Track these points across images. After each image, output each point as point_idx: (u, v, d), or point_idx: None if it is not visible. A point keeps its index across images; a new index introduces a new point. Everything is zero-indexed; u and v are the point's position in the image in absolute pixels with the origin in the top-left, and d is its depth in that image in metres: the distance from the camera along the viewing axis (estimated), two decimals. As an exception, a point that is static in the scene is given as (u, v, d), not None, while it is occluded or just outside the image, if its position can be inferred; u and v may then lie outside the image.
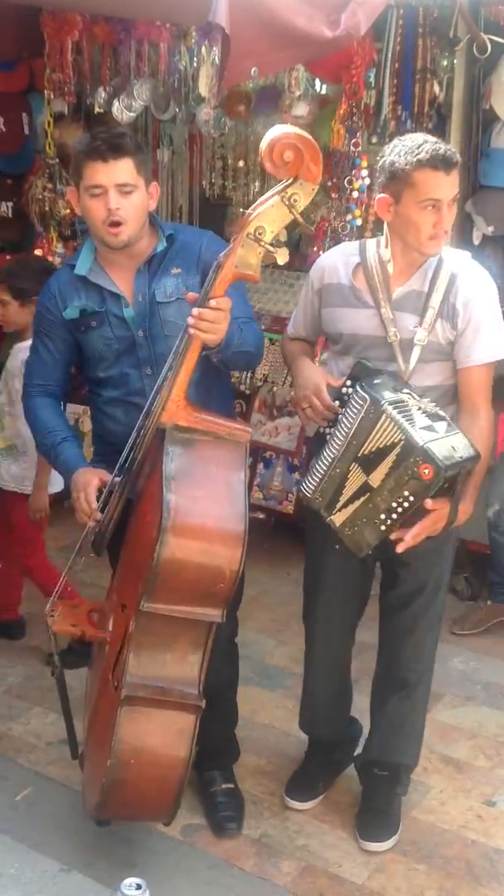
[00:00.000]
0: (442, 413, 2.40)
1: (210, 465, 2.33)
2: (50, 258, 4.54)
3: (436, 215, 2.41)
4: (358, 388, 2.42)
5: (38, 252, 4.60)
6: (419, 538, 2.37)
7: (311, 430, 4.17)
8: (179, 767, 2.45)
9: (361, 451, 2.39)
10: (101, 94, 4.18)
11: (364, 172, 3.81)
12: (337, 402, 2.50)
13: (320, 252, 3.90)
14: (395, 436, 2.32)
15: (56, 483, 3.54)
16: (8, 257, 4.52)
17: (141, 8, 3.13)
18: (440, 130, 3.70)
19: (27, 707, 3.40)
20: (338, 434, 2.45)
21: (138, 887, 2.02)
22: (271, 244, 2.24)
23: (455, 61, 3.69)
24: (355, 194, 3.84)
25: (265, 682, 3.55)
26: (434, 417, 2.36)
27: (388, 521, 2.37)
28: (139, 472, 2.50)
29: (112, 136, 2.46)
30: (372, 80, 3.74)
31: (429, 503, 2.31)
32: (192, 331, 2.29)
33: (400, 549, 2.38)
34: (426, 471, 2.26)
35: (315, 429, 2.68)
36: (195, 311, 2.28)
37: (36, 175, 4.61)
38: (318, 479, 2.50)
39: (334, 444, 2.45)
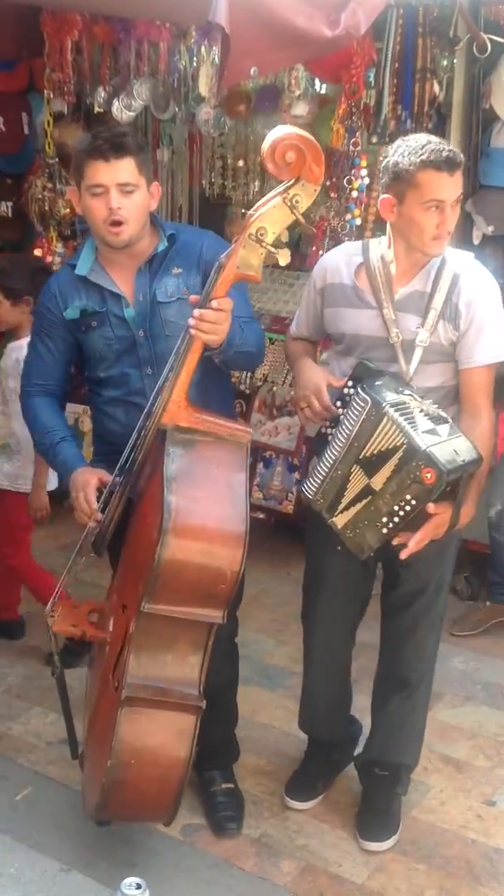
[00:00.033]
0: (444, 414, 2.39)
1: (211, 465, 2.33)
2: (49, 258, 4.55)
3: (439, 216, 2.41)
4: (359, 389, 2.41)
5: (37, 252, 4.60)
6: (422, 544, 2.37)
7: (311, 430, 4.18)
8: (180, 768, 2.45)
9: (363, 454, 2.39)
10: (101, 94, 4.17)
11: (363, 172, 3.81)
12: (338, 403, 2.50)
13: (319, 252, 3.90)
14: (398, 439, 2.31)
15: (50, 482, 3.55)
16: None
17: (141, 7, 3.13)
18: (440, 130, 3.70)
19: (27, 707, 3.40)
20: (339, 436, 2.44)
21: (138, 887, 2.02)
22: (273, 245, 2.24)
23: (455, 61, 3.69)
24: (354, 194, 3.84)
25: (265, 682, 3.55)
26: (436, 420, 2.35)
27: (391, 525, 2.37)
28: (140, 472, 2.50)
29: (114, 136, 2.46)
30: (372, 79, 3.74)
31: (431, 507, 2.31)
32: (193, 332, 2.29)
33: (403, 555, 2.38)
34: (428, 475, 2.25)
35: (316, 429, 2.68)
36: (196, 312, 2.28)
37: (35, 175, 4.61)
38: (319, 481, 2.49)
39: (336, 446, 2.45)
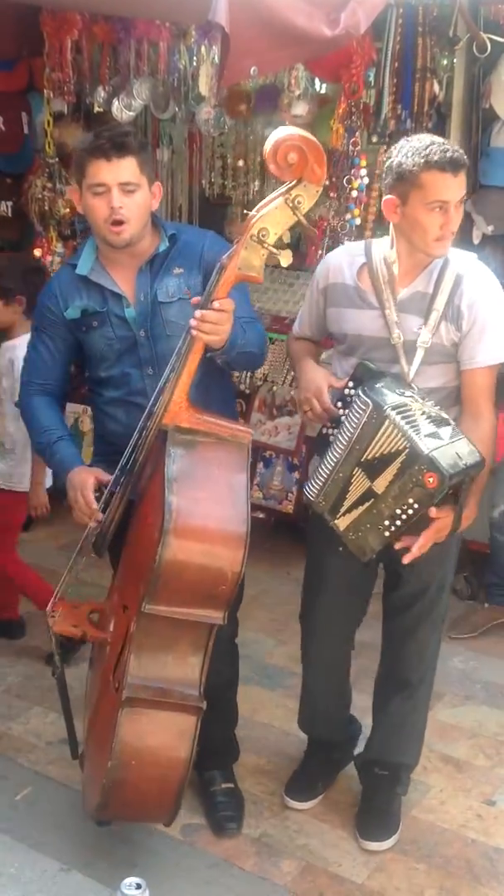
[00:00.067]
0: (446, 416, 2.38)
1: (212, 466, 2.32)
2: (49, 257, 4.54)
3: (443, 217, 2.40)
4: (360, 392, 2.41)
5: (37, 252, 4.60)
6: (425, 548, 2.36)
7: (311, 429, 4.18)
8: (180, 768, 2.45)
9: (364, 456, 2.38)
10: (101, 94, 4.17)
11: (363, 172, 3.81)
12: (340, 404, 2.49)
13: (319, 251, 3.91)
14: (399, 443, 2.31)
15: (47, 479, 3.56)
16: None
17: (140, 7, 3.13)
18: (440, 130, 3.70)
19: (27, 706, 3.40)
20: (340, 438, 2.44)
21: (138, 887, 2.02)
22: (275, 246, 2.24)
23: (455, 60, 3.69)
24: (354, 193, 3.84)
25: (265, 682, 3.55)
26: (438, 422, 2.34)
27: (393, 528, 2.36)
28: (141, 473, 2.50)
29: (116, 135, 2.46)
30: (371, 79, 3.74)
31: (433, 512, 2.30)
32: (194, 332, 2.29)
33: (407, 559, 2.37)
34: (431, 479, 2.25)
35: (318, 428, 2.68)
36: (198, 312, 2.28)
37: (35, 174, 4.61)
38: (321, 483, 2.49)
39: (337, 448, 2.45)
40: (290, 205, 2.23)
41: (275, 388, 4.47)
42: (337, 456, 2.44)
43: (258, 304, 4.33)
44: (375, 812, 2.85)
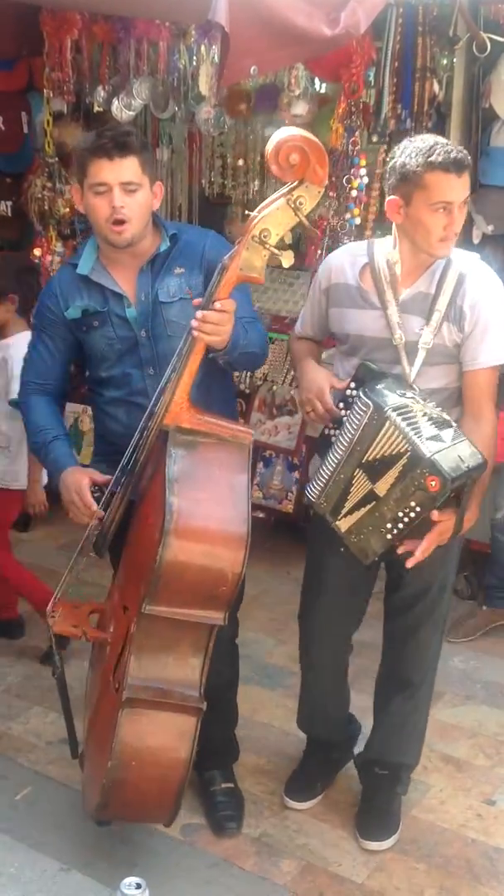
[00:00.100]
0: (447, 417, 2.38)
1: (213, 467, 2.32)
2: (49, 257, 4.54)
3: (447, 218, 2.39)
4: (361, 393, 2.40)
5: (37, 251, 4.60)
6: (428, 552, 2.36)
7: (311, 429, 4.18)
8: (180, 769, 2.45)
9: (365, 458, 2.38)
10: (101, 93, 4.17)
11: (363, 171, 3.81)
12: (341, 405, 2.49)
13: (318, 251, 3.90)
14: (401, 445, 2.30)
15: (43, 477, 3.57)
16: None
17: (140, 7, 3.13)
18: (440, 129, 3.70)
19: (27, 706, 3.40)
20: (342, 439, 2.44)
21: (138, 886, 2.02)
22: (276, 247, 2.24)
23: (455, 60, 3.68)
24: (354, 193, 3.83)
25: (265, 682, 3.55)
26: (440, 424, 2.33)
27: (395, 531, 2.36)
28: (142, 473, 2.50)
29: (118, 135, 2.45)
30: (371, 78, 3.73)
31: (435, 515, 2.30)
32: (195, 333, 2.29)
33: (410, 563, 2.37)
34: (433, 483, 2.24)
35: (319, 428, 2.68)
36: (199, 313, 2.28)
37: (35, 174, 4.60)
38: (322, 484, 2.49)
39: (338, 449, 2.44)
40: (292, 206, 2.22)
41: (275, 387, 4.47)
42: (338, 457, 2.44)
43: (258, 304, 4.33)
44: (375, 812, 2.85)
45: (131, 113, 4.14)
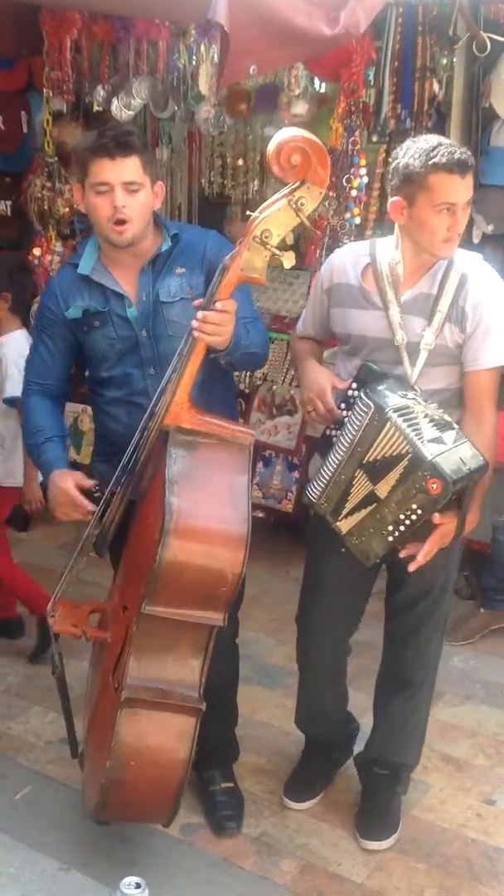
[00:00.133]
0: (449, 419, 2.37)
1: (213, 467, 2.32)
2: (49, 257, 4.54)
3: (451, 219, 2.38)
4: (362, 394, 2.40)
5: (36, 251, 4.60)
6: (430, 556, 2.36)
7: (311, 429, 4.18)
8: (179, 769, 2.45)
9: (366, 459, 2.38)
10: (100, 93, 4.17)
11: (363, 171, 3.81)
12: (343, 405, 2.49)
13: (318, 251, 3.90)
14: (402, 447, 2.30)
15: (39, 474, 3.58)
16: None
17: (140, 6, 3.13)
18: (439, 129, 3.69)
19: (27, 706, 3.40)
20: (343, 439, 2.44)
21: (138, 886, 2.02)
22: (277, 247, 2.23)
23: (454, 59, 3.68)
24: (354, 193, 3.83)
25: (264, 681, 3.55)
26: (442, 426, 2.33)
27: (396, 533, 2.36)
28: (142, 473, 2.50)
29: (120, 134, 2.45)
30: (371, 78, 3.73)
31: (436, 518, 2.30)
32: (196, 333, 2.29)
33: (412, 567, 2.37)
34: (434, 486, 2.24)
35: (321, 429, 2.68)
36: (200, 313, 2.28)
37: (35, 173, 4.60)
38: (323, 485, 2.48)
39: (339, 450, 2.44)
40: (294, 206, 2.22)
41: (274, 387, 4.47)
42: (339, 458, 2.44)
43: (257, 304, 4.33)
44: (375, 811, 2.85)
45: (131, 112, 4.14)
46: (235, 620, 2.77)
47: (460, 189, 2.38)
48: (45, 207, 4.53)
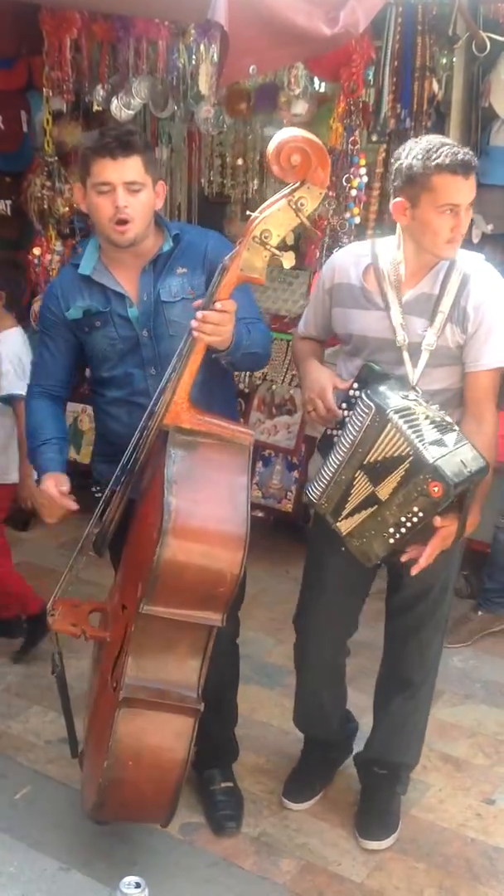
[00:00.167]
0: (450, 420, 2.37)
1: (212, 467, 2.32)
2: (48, 256, 4.54)
3: (454, 219, 2.38)
4: (363, 394, 2.40)
5: (36, 250, 4.60)
6: (431, 558, 2.36)
7: (311, 429, 4.18)
8: (177, 769, 2.45)
9: (367, 460, 2.37)
10: (100, 92, 4.17)
11: (363, 170, 3.81)
12: (344, 405, 2.49)
13: (318, 251, 3.90)
14: (403, 449, 2.30)
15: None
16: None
17: (139, 6, 3.13)
18: (439, 128, 3.69)
19: (26, 705, 3.40)
20: (343, 440, 2.43)
21: (137, 886, 2.02)
22: (277, 248, 2.23)
23: (454, 59, 3.68)
24: (354, 192, 3.83)
25: (264, 681, 3.55)
26: (443, 428, 2.33)
27: (398, 535, 2.36)
28: (142, 472, 2.50)
29: (122, 134, 2.46)
30: (371, 78, 3.73)
31: (438, 521, 2.30)
32: (196, 333, 2.29)
33: (415, 571, 2.37)
34: (436, 489, 2.24)
35: (320, 428, 2.67)
36: (199, 313, 2.28)
37: (34, 173, 4.60)
38: (324, 485, 2.48)
39: (340, 451, 2.44)
40: (294, 207, 2.22)
41: (274, 386, 4.47)
42: (340, 458, 2.44)
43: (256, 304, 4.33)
44: (375, 811, 2.85)
45: (130, 112, 4.14)
46: (236, 620, 2.77)
47: (463, 190, 2.37)
48: (45, 207, 4.53)
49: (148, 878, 2.09)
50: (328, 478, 2.47)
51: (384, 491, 2.35)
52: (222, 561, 2.28)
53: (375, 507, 2.38)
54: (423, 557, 2.35)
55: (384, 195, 3.88)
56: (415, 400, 2.39)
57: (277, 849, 2.78)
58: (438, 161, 2.33)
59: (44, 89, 4.36)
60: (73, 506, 2.56)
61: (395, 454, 2.32)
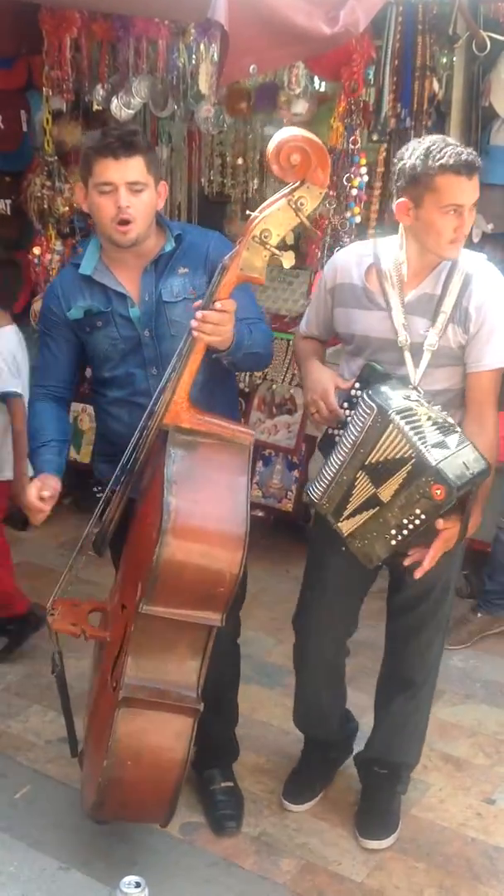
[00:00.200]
0: (451, 421, 2.36)
1: (212, 467, 2.32)
2: (48, 255, 4.54)
3: (458, 220, 2.37)
4: (365, 395, 2.39)
5: (36, 250, 4.59)
6: (435, 561, 2.35)
7: (311, 428, 4.18)
8: (176, 769, 2.45)
9: (368, 460, 2.37)
10: (100, 92, 4.17)
11: (363, 170, 3.80)
12: (346, 405, 2.48)
13: (318, 250, 3.90)
14: (405, 450, 2.30)
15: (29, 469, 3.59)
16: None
17: (139, 5, 3.13)
18: (439, 128, 3.69)
19: (26, 705, 3.40)
20: (345, 440, 2.43)
21: (137, 885, 2.02)
22: (277, 247, 2.23)
23: (454, 58, 3.68)
24: (354, 192, 3.83)
25: (264, 681, 3.55)
26: (445, 430, 2.32)
27: (400, 537, 2.36)
28: (142, 472, 2.50)
29: (124, 134, 2.45)
30: (371, 77, 3.73)
31: (440, 524, 2.29)
32: (195, 333, 2.29)
33: (418, 574, 2.36)
34: (438, 491, 2.24)
35: (324, 429, 2.67)
36: (199, 313, 2.28)
37: (34, 172, 4.60)
38: (325, 485, 2.48)
39: (341, 451, 2.43)
40: (293, 206, 2.22)
41: (274, 386, 4.47)
42: (341, 458, 2.43)
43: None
44: (375, 811, 2.85)
45: (130, 111, 4.14)
46: (237, 620, 2.77)
47: (467, 190, 2.37)
48: (45, 206, 4.52)
49: (148, 877, 2.09)
50: (329, 478, 2.47)
51: (386, 493, 2.35)
52: (222, 561, 2.28)
53: (377, 508, 2.38)
54: (427, 560, 2.34)
55: (385, 194, 3.88)
56: (417, 401, 2.38)
57: (277, 848, 2.78)
58: (442, 161, 2.32)
59: (43, 89, 4.36)
60: (41, 516, 2.53)
61: (397, 455, 2.31)
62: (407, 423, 2.30)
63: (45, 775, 3.05)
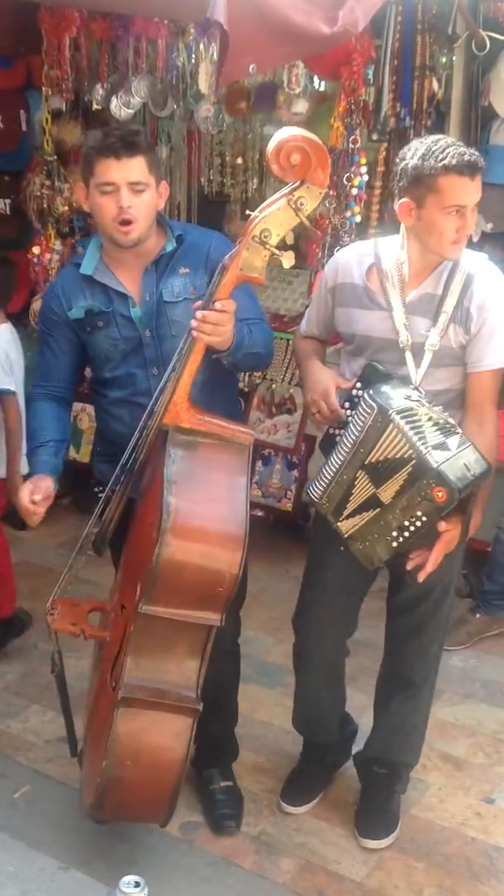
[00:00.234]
0: (452, 422, 2.36)
1: (212, 467, 2.32)
2: (48, 255, 4.54)
3: (460, 220, 2.37)
4: (366, 395, 2.39)
5: (36, 249, 4.59)
6: (437, 563, 2.35)
7: (311, 427, 4.18)
8: (176, 769, 2.45)
9: (368, 460, 2.37)
10: (99, 91, 4.17)
11: (363, 169, 3.80)
12: (347, 405, 2.48)
13: (319, 250, 3.90)
14: (404, 450, 2.30)
15: (23, 466, 3.57)
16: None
17: (139, 4, 3.13)
18: (439, 127, 3.69)
19: (25, 704, 3.40)
20: (346, 440, 2.43)
21: (137, 885, 2.03)
22: (277, 247, 2.23)
23: (454, 58, 3.68)
24: (354, 191, 3.83)
25: (264, 680, 3.55)
26: (445, 431, 2.32)
27: (401, 539, 2.35)
28: (142, 472, 2.50)
29: (126, 134, 2.45)
30: (371, 76, 3.73)
31: (442, 526, 2.29)
32: (195, 333, 2.29)
33: (421, 577, 2.36)
34: (440, 493, 2.23)
35: (324, 429, 2.67)
36: (199, 313, 2.28)
37: (34, 172, 4.60)
38: (325, 484, 2.48)
39: (342, 450, 2.43)
40: (293, 206, 2.22)
41: (274, 385, 4.47)
42: (341, 458, 2.43)
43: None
44: (374, 810, 2.85)
45: (130, 111, 4.14)
46: (237, 620, 2.77)
47: (470, 191, 2.37)
48: (45, 206, 4.52)
49: (147, 877, 2.09)
50: (329, 477, 2.47)
51: (386, 494, 2.35)
52: (221, 561, 2.28)
53: (378, 510, 2.38)
54: (430, 563, 2.34)
55: (385, 194, 3.88)
56: (418, 401, 2.38)
57: (277, 848, 2.78)
58: (445, 162, 2.32)
59: (43, 88, 4.36)
60: (35, 518, 2.52)
61: (397, 456, 2.31)
62: (407, 422, 2.30)
63: (44, 775, 3.05)
